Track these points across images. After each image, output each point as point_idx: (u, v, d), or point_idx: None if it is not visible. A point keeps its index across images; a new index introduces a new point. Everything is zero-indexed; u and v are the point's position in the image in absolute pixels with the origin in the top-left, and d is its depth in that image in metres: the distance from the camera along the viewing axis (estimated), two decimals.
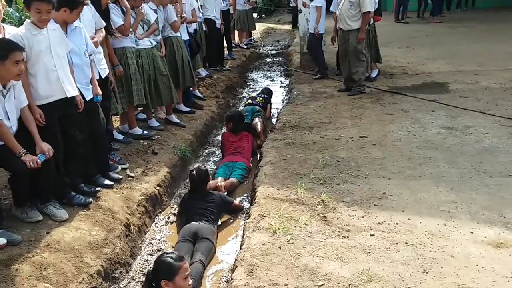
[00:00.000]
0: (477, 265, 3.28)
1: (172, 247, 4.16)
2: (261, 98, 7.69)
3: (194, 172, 4.74)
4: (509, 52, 10.22)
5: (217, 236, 4.35)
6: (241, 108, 7.85)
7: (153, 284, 3.15)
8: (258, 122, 6.83)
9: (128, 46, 5.58)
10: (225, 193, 4.97)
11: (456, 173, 4.76)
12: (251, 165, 5.88)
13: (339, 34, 8.04)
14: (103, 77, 4.69)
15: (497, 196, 4.24)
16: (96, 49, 4.57)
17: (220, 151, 6.34)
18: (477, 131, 5.85)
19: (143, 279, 3.74)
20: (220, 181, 5.16)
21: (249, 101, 7.67)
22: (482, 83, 7.99)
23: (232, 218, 4.76)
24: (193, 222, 4.27)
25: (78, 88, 4.15)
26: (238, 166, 5.59)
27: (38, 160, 3.55)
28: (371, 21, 8.23)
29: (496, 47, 10.72)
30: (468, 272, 3.21)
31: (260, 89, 8.56)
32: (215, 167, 5.93)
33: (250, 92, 9.59)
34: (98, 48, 4.72)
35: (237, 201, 5.03)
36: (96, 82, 4.47)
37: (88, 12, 4.66)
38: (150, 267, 3.36)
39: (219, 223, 4.64)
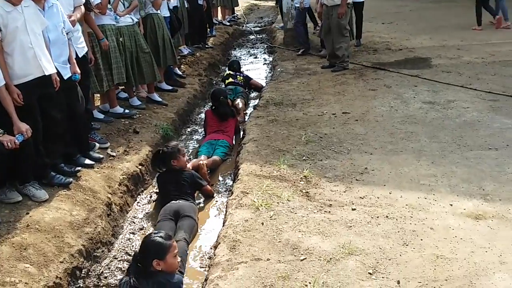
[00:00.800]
0: (456, 237, 3.33)
1: (154, 225, 4.15)
2: (241, 77, 7.67)
3: (161, 149, 4.67)
4: (492, 26, 10.25)
5: (198, 213, 4.34)
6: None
7: (140, 264, 3.09)
8: (240, 102, 6.85)
9: (107, 23, 5.46)
10: (208, 171, 4.94)
11: (437, 147, 4.79)
12: (234, 143, 5.86)
13: (323, 10, 7.95)
14: (80, 55, 4.60)
15: (477, 169, 4.29)
16: (73, 27, 4.47)
17: (203, 129, 6.29)
18: (459, 105, 5.88)
19: (126, 257, 3.76)
20: (203, 159, 5.13)
21: (230, 79, 7.60)
22: (464, 57, 8.02)
23: (215, 195, 4.75)
24: (173, 201, 4.24)
25: (56, 67, 4.07)
26: (220, 144, 5.54)
27: (16, 141, 3.48)
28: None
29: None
30: (447, 244, 3.26)
31: (229, 64, 8.51)
32: (198, 145, 5.90)
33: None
34: (76, 26, 4.62)
35: (220, 177, 5.02)
36: (74, 61, 4.39)
37: None
38: (137, 249, 3.32)
39: (202, 201, 4.63)
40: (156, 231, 3.29)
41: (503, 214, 3.56)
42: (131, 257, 3.21)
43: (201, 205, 4.58)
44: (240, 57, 10.54)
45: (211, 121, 5.97)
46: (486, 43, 8.86)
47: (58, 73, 4.08)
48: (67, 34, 4.30)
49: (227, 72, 7.98)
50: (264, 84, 8.03)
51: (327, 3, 7.73)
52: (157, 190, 4.79)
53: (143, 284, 2.98)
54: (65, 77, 4.19)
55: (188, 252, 3.79)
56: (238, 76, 7.69)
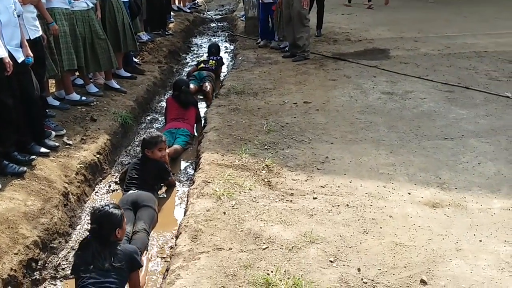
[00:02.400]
0: (414, 225, 3.42)
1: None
2: (213, 61, 7.68)
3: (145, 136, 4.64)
4: (448, 19, 10.54)
5: (158, 203, 4.25)
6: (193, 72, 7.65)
7: (100, 236, 3.02)
8: (208, 85, 6.93)
9: (57, 7, 5.20)
10: (169, 160, 4.86)
11: (395, 137, 4.89)
12: (194, 131, 5.80)
13: (283, 0, 7.92)
14: (31, 37, 4.40)
15: (433, 159, 4.40)
16: (25, 7, 4.28)
17: (163, 117, 6.18)
18: (416, 96, 6.02)
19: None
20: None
21: (202, 65, 7.60)
22: (422, 49, 8.21)
23: (176, 185, 4.69)
24: (131, 191, 4.14)
25: (8, 50, 3.88)
26: (181, 133, 5.45)
27: None
28: None
29: (435, 15, 11.03)
30: (405, 231, 3.34)
31: (207, 45, 8.52)
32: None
33: (193, 57, 9.39)
34: (30, 7, 4.42)
35: (181, 166, 4.96)
36: (26, 43, 4.20)
37: None
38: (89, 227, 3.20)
39: (163, 190, 4.56)
40: (103, 204, 3.19)
41: (459, 202, 3.68)
42: (89, 232, 3.12)
43: (163, 195, 4.50)
44: (201, 45, 10.42)
45: (172, 108, 5.85)
46: (442, 36, 9.10)
47: (11, 57, 3.89)
48: (18, 16, 4.10)
49: (202, 58, 7.97)
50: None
51: None
52: (116, 180, 4.70)
53: (104, 253, 2.95)
54: (19, 60, 4.00)
55: (148, 243, 3.72)
56: (210, 61, 7.70)
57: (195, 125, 5.93)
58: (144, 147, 4.50)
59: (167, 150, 4.90)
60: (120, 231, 3.09)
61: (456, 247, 3.15)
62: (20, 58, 4.04)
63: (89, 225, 3.14)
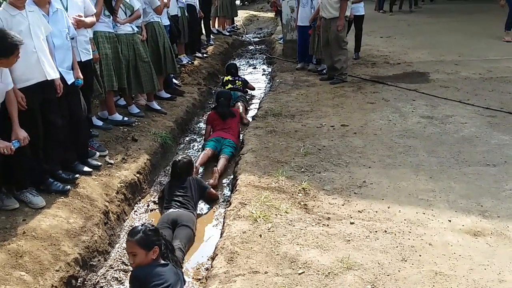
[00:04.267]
0: (454, 253, 3.32)
1: None
2: (240, 82, 7.87)
3: (179, 160, 4.76)
4: (489, 42, 10.34)
5: (197, 224, 4.33)
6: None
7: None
8: (240, 106, 7.08)
9: (100, 30, 5.41)
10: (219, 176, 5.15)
11: (435, 162, 4.80)
12: (239, 143, 5.96)
13: (321, 23, 7.97)
14: (82, 60, 4.60)
15: (475, 185, 4.29)
16: (79, 30, 4.48)
17: (202, 138, 6.32)
18: (456, 120, 5.90)
19: (122, 267, 3.75)
20: (207, 151, 5.49)
21: (229, 85, 7.76)
22: (462, 73, 8.06)
23: (213, 206, 4.73)
24: (172, 210, 4.25)
25: (60, 72, 4.08)
26: (227, 144, 5.68)
27: (12, 147, 3.45)
28: None
29: (476, 38, 10.83)
30: (445, 260, 3.25)
31: (226, 66, 8.79)
32: (198, 151, 5.94)
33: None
34: (82, 30, 4.63)
35: (218, 189, 5.02)
36: (77, 66, 4.39)
37: None
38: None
39: (199, 211, 4.61)
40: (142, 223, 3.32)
41: (501, 231, 3.56)
42: (168, 247, 3.26)
43: (200, 215, 4.54)
44: (239, 67, 10.56)
45: (215, 120, 6.13)
46: (483, 59, 8.92)
47: (62, 78, 4.08)
48: (71, 39, 4.31)
49: (226, 78, 8.09)
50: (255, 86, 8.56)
51: (326, 16, 7.77)
52: (155, 199, 4.79)
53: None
54: (69, 82, 4.20)
55: (183, 261, 3.77)
56: (237, 81, 7.89)
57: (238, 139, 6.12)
58: (184, 172, 4.70)
59: (219, 169, 5.23)
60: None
61: (499, 278, 3.05)
62: (71, 80, 4.23)
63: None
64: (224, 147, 5.64)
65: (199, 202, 4.67)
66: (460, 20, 12.36)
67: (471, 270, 3.13)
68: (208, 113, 6.70)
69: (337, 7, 7.60)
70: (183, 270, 3.64)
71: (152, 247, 3.09)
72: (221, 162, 5.38)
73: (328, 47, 7.91)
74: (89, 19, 4.72)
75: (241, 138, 6.08)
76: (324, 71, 8.48)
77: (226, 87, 7.76)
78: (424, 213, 3.87)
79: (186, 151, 6.03)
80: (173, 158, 5.79)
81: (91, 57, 4.83)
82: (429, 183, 4.37)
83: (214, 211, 4.64)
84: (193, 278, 3.66)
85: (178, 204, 4.32)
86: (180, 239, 3.91)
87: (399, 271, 3.15)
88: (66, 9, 4.42)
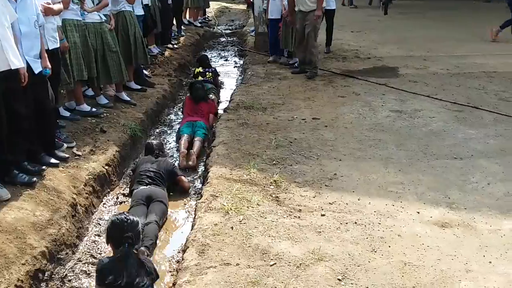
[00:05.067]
0: (423, 244, 3.39)
1: (127, 212, 4.03)
2: (210, 74, 7.88)
3: (153, 139, 5.26)
4: (458, 38, 10.58)
5: (167, 212, 4.37)
6: None
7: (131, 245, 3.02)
8: (212, 96, 7.12)
9: (69, 18, 5.25)
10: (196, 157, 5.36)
11: (404, 155, 4.88)
12: (209, 124, 6.20)
13: (297, 16, 7.85)
14: (49, 48, 4.46)
15: (443, 178, 4.38)
16: (48, 18, 4.36)
17: (172, 130, 6.32)
18: (425, 115, 6.02)
19: (91, 260, 3.68)
20: (186, 138, 5.62)
21: (200, 77, 7.76)
22: (431, 68, 8.22)
23: (184, 198, 4.69)
24: (144, 187, 4.36)
25: (27, 61, 3.96)
26: (199, 126, 5.87)
27: None
28: None
29: (445, 34, 11.06)
30: (414, 251, 3.31)
31: (197, 58, 8.95)
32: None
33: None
34: (50, 18, 4.49)
35: (189, 180, 4.99)
36: (46, 55, 4.25)
37: None
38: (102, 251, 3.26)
39: (170, 204, 4.56)
40: (124, 214, 3.20)
41: (468, 222, 3.65)
42: (124, 238, 3.02)
43: (170, 207, 4.49)
44: (210, 59, 10.46)
45: (188, 105, 6.36)
46: (451, 55, 9.11)
47: (29, 67, 3.94)
48: (39, 27, 4.17)
49: (197, 69, 8.09)
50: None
51: (304, 9, 7.65)
52: (124, 192, 4.72)
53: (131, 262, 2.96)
54: (36, 71, 4.06)
55: (158, 234, 3.92)
56: (207, 73, 7.89)
57: (211, 117, 6.38)
58: (157, 150, 4.98)
59: (195, 153, 5.40)
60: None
61: (466, 268, 3.13)
62: (38, 69, 4.09)
63: (123, 236, 3.01)
64: (196, 130, 5.83)
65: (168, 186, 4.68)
66: (430, 17, 12.58)
67: (439, 261, 3.20)
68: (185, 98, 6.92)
69: (315, 0, 7.57)
70: (154, 261, 3.61)
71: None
72: (196, 144, 5.57)
73: (303, 40, 7.88)
74: (57, 6, 4.59)
75: (212, 129, 6.06)
76: (296, 64, 8.50)
77: (197, 79, 7.70)
78: (393, 205, 3.93)
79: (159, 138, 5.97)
80: (143, 150, 5.74)
81: (59, 45, 4.69)
82: (398, 176, 4.44)
83: (185, 203, 4.60)
84: (164, 270, 3.62)
85: (149, 180, 4.43)
86: (156, 213, 4.09)
87: (369, 261, 3.20)
88: None
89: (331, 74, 8.00)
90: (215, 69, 8.33)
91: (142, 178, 4.45)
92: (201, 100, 6.38)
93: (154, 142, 5.14)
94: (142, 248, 3.35)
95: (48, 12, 4.41)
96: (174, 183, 4.74)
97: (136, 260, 2.99)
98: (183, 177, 4.82)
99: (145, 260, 3.09)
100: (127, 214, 3.17)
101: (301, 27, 7.85)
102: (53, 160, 4.38)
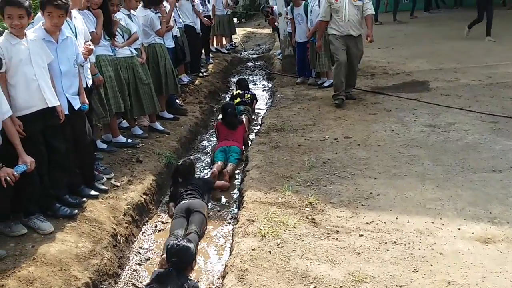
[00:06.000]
0: (466, 262, 3.31)
1: (160, 255, 4.11)
2: (248, 95, 8.09)
3: (180, 164, 5.24)
4: (487, 48, 10.39)
5: (208, 210, 4.80)
6: None
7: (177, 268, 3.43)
8: (244, 118, 7.24)
9: (101, 54, 5.44)
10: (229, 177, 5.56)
11: (440, 170, 4.80)
12: (243, 148, 6.35)
13: (345, 42, 7.30)
14: (88, 85, 4.66)
15: (482, 192, 4.28)
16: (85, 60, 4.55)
17: (206, 156, 6.41)
18: (459, 128, 5.92)
19: None
20: (219, 164, 5.78)
21: (238, 99, 7.97)
22: (462, 80, 8.09)
23: (220, 224, 4.72)
24: (183, 201, 4.64)
25: (67, 98, 4.16)
26: (233, 151, 6.03)
27: (15, 173, 3.45)
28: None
29: (473, 45, 10.89)
30: (457, 269, 3.24)
31: (236, 80, 9.23)
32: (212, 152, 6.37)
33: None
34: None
35: (225, 205, 5.07)
36: (83, 91, 4.44)
37: (81, 23, 4.71)
38: (144, 280, 3.43)
39: (209, 227, 4.62)
40: (179, 239, 3.72)
41: None
42: (171, 262, 3.45)
43: (207, 234, 4.53)
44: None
45: (221, 130, 6.55)
46: (482, 66, 8.96)
47: (69, 104, 4.15)
48: (81, 66, 4.40)
49: (236, 91, 8.32)
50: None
51: (355, 34, 7.31)
52: (163, 220, 4.81)
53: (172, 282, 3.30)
54: (76, 107, 4.25)
55: (198, 243, 4.21)
56: (246, 95, 8.10)
57: (243, 145, 6.49)
58: (188, 173, 5.21)
59: (227, 169, 5.64)
60: (194, 264, 3.60)
61: None
62: (77, 105, 4.28)
63: (168, 259, 3.49)
64: (230, 155, 5.99)
65: (208, 198, 5.07)
66: (456, 28, 12.42)
67: (484, 278, 3.11)
68: (216, 123, 7.08)
69: (362, 24, 7.41)
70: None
71: None
72: (229, 166, 5.78)
73: (352, 66, 7.46)
74: (92, 46, 4.78)
75: (245, 153, 6.13)
76: (324, 84, 8.51)
77: (236, 101, 7.96)
78: (433, 222, 3.86)
79: (190, 157, 6.08)
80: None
81: (92, 81, 4.87)
82: (436, 192, 4.36)
83: (222, 229, 4.63)
84: None
85: (188, 196, 4.72)
86: (195, 223, 4.33)
87: (411, 282, 3.14)
88: (75, 37, 4.47)
89: (360, 92, 7.97)
90: (254, 94, 8.48)
91: (182, 197, 4.73)
92: (237, 126, 6.57)
93: (182, 165, 5.25)
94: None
95: (90, 53, 4.61)
96: (213, 190, 5.15)
97: (178, 282, 3.30)
98: (218, 181, 5.24)
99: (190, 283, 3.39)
100: (182, 240, 3.60)
101: (350, 52, 7.37)
102: (93, 192, 4.51)
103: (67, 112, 4.12)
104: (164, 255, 3.66)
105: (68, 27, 4.36)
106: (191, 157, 6.48)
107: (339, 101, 7.30)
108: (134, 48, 6.06)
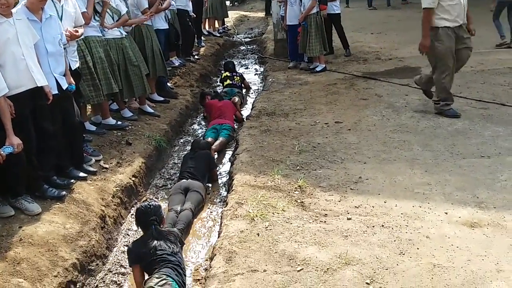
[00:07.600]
0: (452, 245, 3.34)
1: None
2: (238, 77, 8.14)
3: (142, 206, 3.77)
4: (479, 35, 10.31)
5: (206, 191, 4.85)
6: (219, 90, 8.25)
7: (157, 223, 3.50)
8: (236, 98, 7.33)
9: (91, 35, 5.38)
10: (215, 154, 5.69)
11: (430, 155, 4.82)
12: (235, 125, 6.52)
13: (457, 36, 5.75)
14: (73, 68, 4.61)
15: (470, 177, 4.31)
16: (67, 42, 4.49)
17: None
18: None
19: (121, 270, 3.73)
20: (210, 141, 5.82)
21: (228, 81, 8.01)
22: None
23: (209, 206, 4.73)
24: (184, 180, 4.74)
25: (55, 78, 4.11)
26: (224, 128, 6.19)
27: (2, 152, 3.42)
28: (316, 10, 8.26)
29: None
30: (443, 252, 3.26)
31: (224, 63, 9.21)
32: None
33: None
34: (73, 41, 4.64)
35: (215, 187, 5.11)
36: (69, 72, 4.39)
37: (71, 6, 4.67)
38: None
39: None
40: (147, 201, 3.89)
41: (498, 221, 3.58)
42: (150, 221, 3.46)
43: (197, 216, 4.54)
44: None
45: (213, 108, 6.67)
46: (474, 52, 8.90)
47: (57, 84, 4.11)
48: (64, 46, 4.32)
49: (224, 74, 8.31)
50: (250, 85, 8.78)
51: (462, 23, 5.82)
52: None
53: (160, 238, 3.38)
54: (64, 87, 4.21)
55: (192, 221, 4.31)
56: (235, 77, 8.13)
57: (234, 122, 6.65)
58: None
59: (214, 147, 5.73)
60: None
61: (497, 268, 3.06)
62: (65, 85, 4.23)
63: (149, 219, 3.47)
64: (221, 132, 6.14)
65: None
66: None
67: (469, 261, 3.14)
68: (206, 102, 7.12)
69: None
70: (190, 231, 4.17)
71: None
72: (218, 142, 5.91)
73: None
74: (80, 31, 4.72)
75: (235, 135, 6.16)
76: (316, 68, 8.48)
77: (225, 83, 7.99)
78: (420, 207, 3.88)
79: (181, 153, 6.02)
80: (168, 160, 5.83)
81: (78, 64, 4.83)
82: (424, 177, 4.38)
83: (211, 212, 4.64)
84: (192, 279, 3.65)
85: (189, 175, 4.80)
86: (191, 201, 4.43)
87: (397, 264, 3.16)
88: (61, 19, 4.42)
89: (352, 77, 7.96)
90: (241, 74, 8.56)
91: (183, 175, 4.84)
92: (222, 98, 6.86)
93: (198, 139, 5.60)
94: (175, 229, 3.78)
95: (74, 37, 4.55)
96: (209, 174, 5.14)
97: (164, 235, 3.40)
98: (215, 170, 5.26)
99: (169, 231, 3.53)
100: (149, 201, 3.66)
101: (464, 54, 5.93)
102: (81, 174, 4.48)
103: (55, 92, 4.08)
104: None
105: (53, 6, 4.31)
106: (182, 141, 6.48)
107: (452, 111, 5.79)
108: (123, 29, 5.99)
